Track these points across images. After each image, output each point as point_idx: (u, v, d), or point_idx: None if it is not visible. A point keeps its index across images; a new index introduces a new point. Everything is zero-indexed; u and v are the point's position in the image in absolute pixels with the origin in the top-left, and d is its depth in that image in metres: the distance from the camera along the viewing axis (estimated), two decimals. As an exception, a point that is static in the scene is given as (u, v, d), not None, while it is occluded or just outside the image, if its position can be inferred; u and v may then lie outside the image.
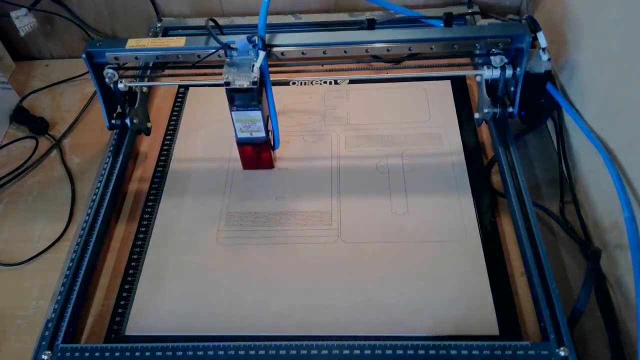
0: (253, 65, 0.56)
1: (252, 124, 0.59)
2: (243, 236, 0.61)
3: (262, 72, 0.57)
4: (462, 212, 0.60)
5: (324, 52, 0.59)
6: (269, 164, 0.66)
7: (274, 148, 0.65)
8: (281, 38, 0.58)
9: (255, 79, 0.55)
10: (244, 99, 0.57)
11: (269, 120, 0.62)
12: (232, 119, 0.59)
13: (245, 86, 0.55)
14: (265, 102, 0.60)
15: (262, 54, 0.55)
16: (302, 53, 0.59)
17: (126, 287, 0.57)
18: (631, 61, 0.52)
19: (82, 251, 0.57)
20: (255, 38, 0.55)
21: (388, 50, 0.59)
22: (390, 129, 0.70)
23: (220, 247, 0.60)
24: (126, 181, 0.68)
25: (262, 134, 0.61)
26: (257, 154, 0.64)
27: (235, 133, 0.61)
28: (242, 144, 0.63)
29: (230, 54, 0.57)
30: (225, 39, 0.57)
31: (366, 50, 0.59)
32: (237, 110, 0.58)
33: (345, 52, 0.59)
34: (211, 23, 0.59)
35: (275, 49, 0.58)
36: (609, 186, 0.53)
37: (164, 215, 0.63)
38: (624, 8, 0.53)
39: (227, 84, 0.56)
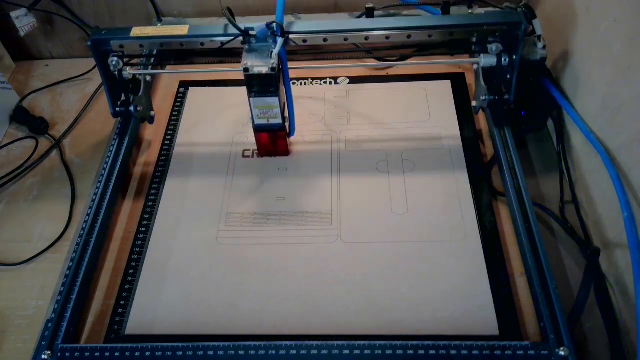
0: (272, 52, 0.56)
1: (269, 110, 0.60)
2: (243, 236, 0.61)
3: (280, 58, 0.57)
4: (462, 212, 0.60)
5: (325, 40, 0.59)
6: (284, 151, 0.66)
7: (289, 135, 0.65)
8: (299, 25, 0.58)
9: (274, 65, 0.56)
10: (263, 85, 0.57)
11: (286, 107, 0.62)
12: (250, 106, 0.59)
13: (264, 72, 0.56)
14: (283, 88, 0.60)
15: (280, 40, 0.56)
16: (304, 41, 0.59)
17: (126, 287, 0.57)
18: (631, 61, 0.52)
19: (82, 251, 0.57)
20: (274, 25, 0.55)
21: (387, 38, 0.59)
22: (390, 129, 0.70)
23: (220, 247, 0.60)
24: (129, 172, 0.68)
25: (279, 120, 0.61)
26: (273, 140, 0.65)
27: (253, 119, 0.61)
28: (258, 130, 0.63)
29: (249, 40, 0.57)
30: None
31: (365, 38, 0.59)
32: (255, 97, 0.58)
33: (345, 39, 0.59)
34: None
35: (292, 36, 0.58)
36: (609, 186, 0.53)
37: (164, 215, 0.63)
38: (624, 8, 0.53)
39: (246, 70, 0.56)
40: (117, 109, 0.66)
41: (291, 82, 0.76)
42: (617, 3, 0.54)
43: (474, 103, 0.68)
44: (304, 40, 0.59)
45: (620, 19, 0.54)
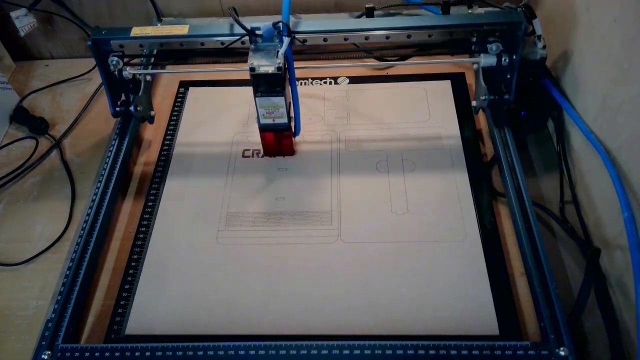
0: (278, 52, 0.56)
1: (275, 110, 0.60)
2: (243, 236, 0.61)
3: (286, 58, 0.57)
4: (462, 212, 0.60)
5: (325, 40, 0.59)
6: (290, 151, 0.66)
7: (295, 134, 0.66)
8: (304, 25, 0.59)
9: (280, 65, 0.56)
10: (269, 84, 0.57)
11: (291, 107, 0.62)
12: (256, 105, 0.60)
13: (270, 72, 0.56)
14: (288, 88, 0.60)
15: (286, 40, 0.56)
16: (304, 41, 0.59)
17: (126, 287, 0.57)
18: (631, 61, 0.52)
19: (82, 251, 0.57)
20: (280, 24, 0.55)
21: (387, 38, 0.59)
22: (390, 129, 0.70)
23: (220, 247, 0.60)
24: (129, 172, 0.68)
25: (285, 120, 0.61)
26: (279, 140, 0.65)
27: (258, 119, 0.61)
28: (264, 130, 0.63)
29: (255, 40, 0.57)
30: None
31: (365, 38, 0.59)
32: (261, 96, 0.58)
33: (345, 39, 0.59)
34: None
35: (298, 35, 0.58)
36: (609, 186, 0.53)
37: (164, 215, 0.63)
38: (624, 8, 0.53)
39: (252, 69, 0.56)
40: (117, 108, 0.66)
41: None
42: (617, 3, 0.54)
43: (474, 103, 0.68)
44: (304, 40, 0.59)
45: (620, 19, 0.54)
